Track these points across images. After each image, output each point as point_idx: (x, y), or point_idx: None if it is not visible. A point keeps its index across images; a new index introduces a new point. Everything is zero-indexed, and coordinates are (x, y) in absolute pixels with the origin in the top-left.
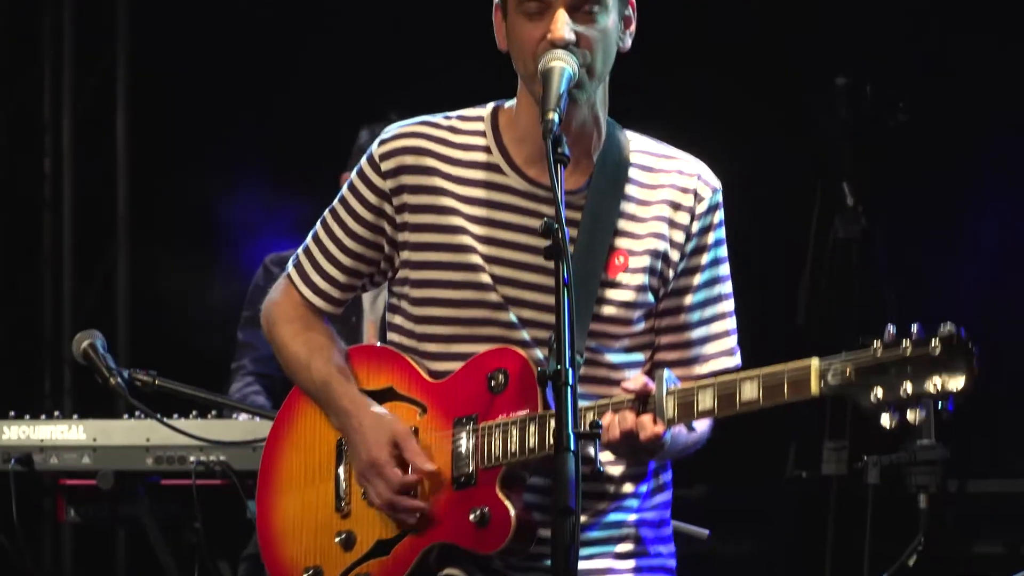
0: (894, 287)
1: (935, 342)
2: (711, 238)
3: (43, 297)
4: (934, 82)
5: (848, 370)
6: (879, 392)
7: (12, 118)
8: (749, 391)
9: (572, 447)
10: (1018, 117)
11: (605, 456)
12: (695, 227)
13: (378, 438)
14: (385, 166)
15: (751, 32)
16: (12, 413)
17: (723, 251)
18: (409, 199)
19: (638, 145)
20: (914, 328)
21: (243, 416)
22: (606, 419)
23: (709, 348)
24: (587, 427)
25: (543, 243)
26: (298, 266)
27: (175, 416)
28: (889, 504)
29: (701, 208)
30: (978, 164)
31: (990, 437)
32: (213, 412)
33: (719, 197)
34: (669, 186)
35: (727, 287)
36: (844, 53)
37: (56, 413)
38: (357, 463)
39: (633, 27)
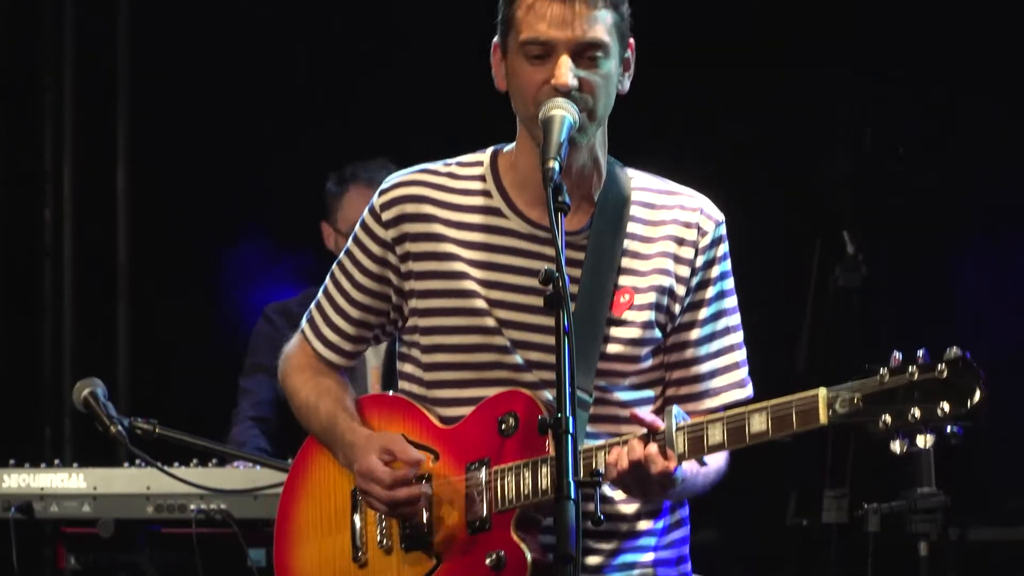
0: (894, 336)
1: (941, 366)
2: (716, 271)
3: (43, 345)
4: (933, 130)
5: (856, 398)
6: (887, 418)
7: (13, 167)
8: (758, 423)
9: (572, 495)
10: (1016, 169)
11: (618, 494)
12: (699, 261)
13: (368, 449)
14: (386, 216)
15: (751, 80)
16: (12, 461)
17: (729, 284)
18: (412, 247)
19: (639, 182)
20: (920, 353)
21: (243, 464)
22: (614, 453)
23: (719, 381)
24: (588, 476)
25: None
26: (310, 321)
27: (176, 464)
28: (890, 552)
29: (704, 242)
30: (977, 214)
31: (990, 484)
32: (214, 460)
33: (723, 230)
34: (672, 222)
35: (735, 319)
36: (844, 101)
37: (56, 461)
38: (356, 481)
39: (632, 70)
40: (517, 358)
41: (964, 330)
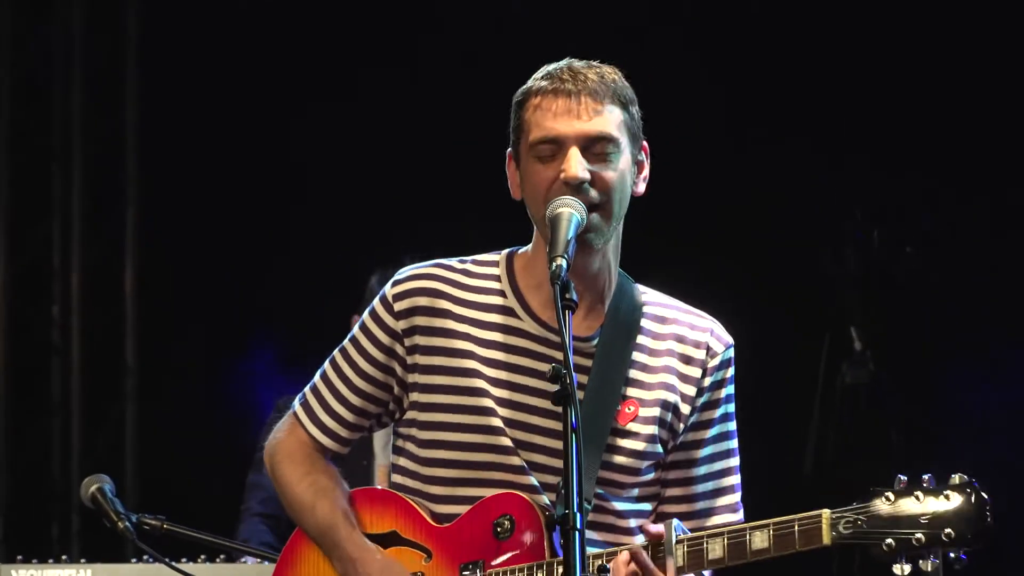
0: (902, 432)
1: (948, 491)
2: (722, 393)
3: (51, 441)
4: (942, 229)
5: (860, 520)
6: (891, 542)
7: (22, 265)
8: (760, 540)
9: None
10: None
11: None
12: (706, 382)
13: None
14: (398, 306)
15: (760, 177)
16: (20, 557)
17: (732, 407)
18: (421, 340)
19: (650, 298)
20: (925, 477)
21: (252, 560)
22: (613, 564)
23: (714, 503)
24: (595, 572)
25: (555, 388)
26: (304, 404)
27: (184, 560)
28: None
29: (713, 363)
30: (985, 310)
31: None
32: (222, 556)
33: (731, 353)
34: (681, 339)
35: (735, 443)
36: (852, 200)
37: (64, 557)
38: None
39: (646, 172)
40: (519, 460)
41: (971, 427)
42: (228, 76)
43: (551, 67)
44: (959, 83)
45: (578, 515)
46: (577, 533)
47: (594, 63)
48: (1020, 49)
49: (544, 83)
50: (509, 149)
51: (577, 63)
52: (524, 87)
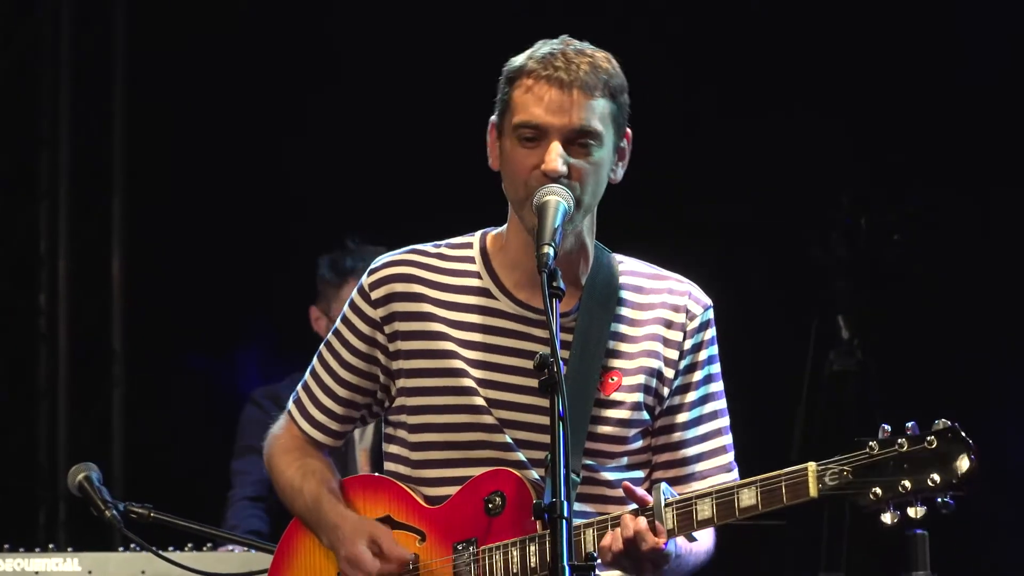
0: (889, 420)
1: (931, 437)
2: (704, 355)
3: (38, 429)
4: (929, 216)
5: (845, 471)
6: (878, 490)
7: (9, 254)
8: (748, 498)
9: None
10: (1016, 252)
11: (612, 574)
12: (688, 344)
13: (356, 536)
14: (375, 295)
15: (748, 163)
16: (7, 546)
17: (716, 368)
18: (400, 326)
19: (627, 267)
20: (909, 425)
21: (238, 548)
22: (608, 537)
23: (705, 465)
24: (584, 553)
25: (535, 366)
26: (297, 402)
27: (170, 548)
28: None
29: (693, 325)
30: (973, 298)
31: (986, 569)
32: (209, 544)
33: (710, 314)
34: (660, 305)
35: (722, 404)
36: (840, 188)
37: (51, 545)
38: (340, 565)
39: (627, 160)
40: (505, 437)
41: (961, 415)
42: (216, 64)
43: (546, 48)
44: (946, 68)
45: (565, 503)
46: (564, 521)
47: (588, 49)
48: (1011, 32)
49: (537, 66)
50: (493, 118)
51: (571, 48)
52: (517, 63)
